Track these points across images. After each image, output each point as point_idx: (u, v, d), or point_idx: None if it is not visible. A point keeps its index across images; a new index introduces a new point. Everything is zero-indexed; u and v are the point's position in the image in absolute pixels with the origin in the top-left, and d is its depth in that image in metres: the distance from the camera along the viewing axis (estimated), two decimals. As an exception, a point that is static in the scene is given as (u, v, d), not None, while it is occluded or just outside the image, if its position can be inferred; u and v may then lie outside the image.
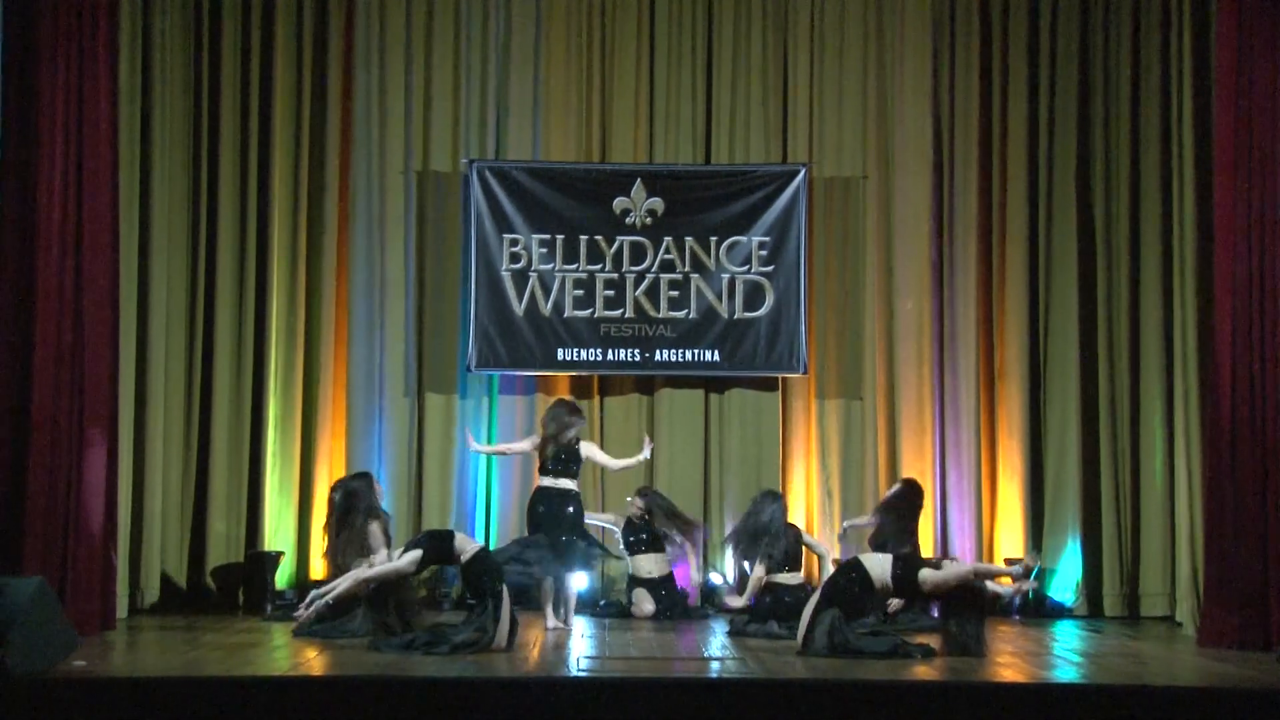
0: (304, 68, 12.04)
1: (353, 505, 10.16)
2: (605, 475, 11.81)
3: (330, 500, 10.51)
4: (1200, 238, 10.87)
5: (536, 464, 10.60)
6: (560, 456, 10.35)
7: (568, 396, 11.65)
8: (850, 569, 9.17)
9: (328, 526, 10.41)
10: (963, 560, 9.33)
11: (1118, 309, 11.92)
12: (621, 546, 11.35)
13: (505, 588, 9.08)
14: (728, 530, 11.10)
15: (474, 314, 11.95)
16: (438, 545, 9.19)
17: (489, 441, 11.89)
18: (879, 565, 9.11)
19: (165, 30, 11.56)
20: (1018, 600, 9.45)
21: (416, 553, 9.09)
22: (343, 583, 9.08)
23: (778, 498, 10.72)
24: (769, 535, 10.33)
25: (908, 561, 9.21)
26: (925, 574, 9.03)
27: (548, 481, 10.34)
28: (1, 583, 8.02)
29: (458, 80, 12.23)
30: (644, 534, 11.30)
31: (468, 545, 9.20)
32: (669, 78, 12.31)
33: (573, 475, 10.39)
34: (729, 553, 10.92)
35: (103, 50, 9.85)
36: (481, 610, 8.92)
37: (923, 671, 8.31)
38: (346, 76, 12.13)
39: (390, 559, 9.59)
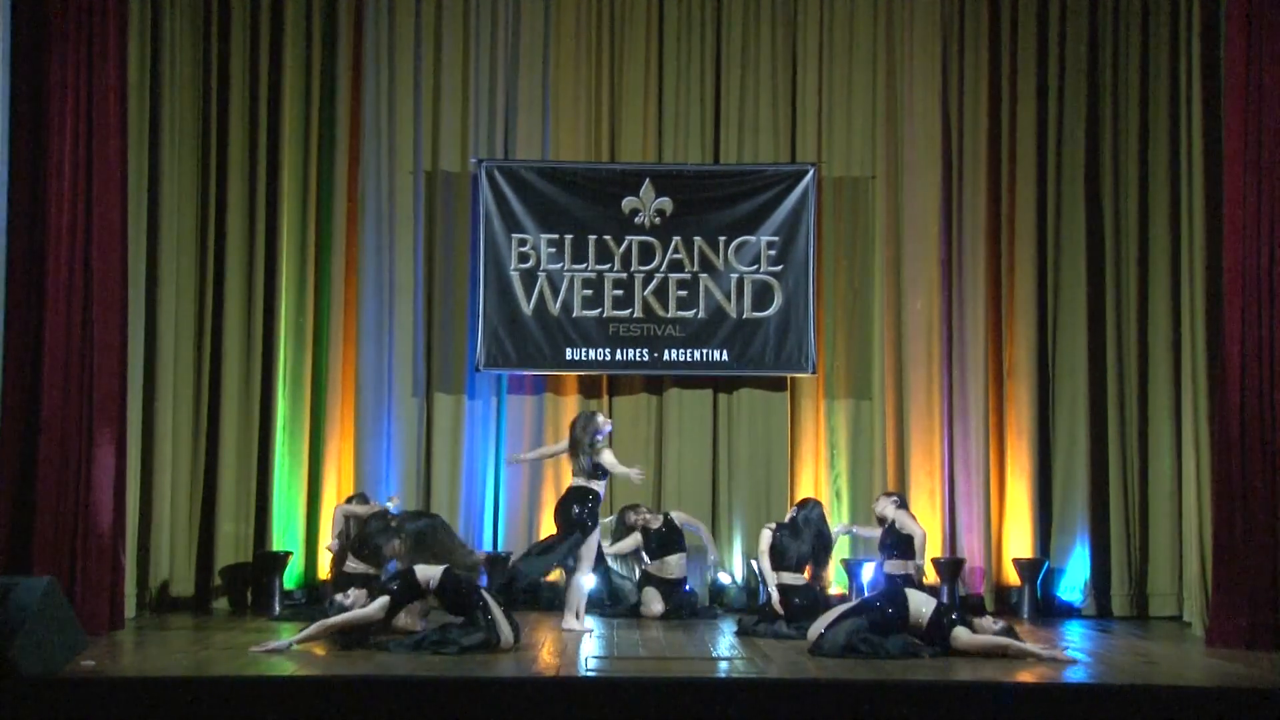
0: (313, 67, 12.06)
1: (430, 550, 9.80)
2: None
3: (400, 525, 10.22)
4: (1209, 236, 10.84)
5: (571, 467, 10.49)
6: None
7: (578, 398, 11.77)
8: (895, 600, 9.13)
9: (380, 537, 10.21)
10: (993, 622, 9.21)
11: (1127, 308, 11.90)
12: (645, 558, 11.34)
13: (486, 593, 9.08)
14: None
15: (483, 314, 11.96)
16: (404, 585, 9.06)
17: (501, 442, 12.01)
18: (920, 604, 9.07)
19: (174, 30, 11.58)
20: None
21: (384, 599, 8.94)
22: (311, 630, 8.95)
23: (818, 505, 10.73)
24: (803, 535, 10.34)
25: (948, 611, 9.15)
26: (959, 633, 8.92)
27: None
28: (11, 583, 8.03)
29: (467, 80, 12.24)
30: (663, 536, 11.31)
31: (430, 573, 9.09)
32: (678, 78, 12.31)
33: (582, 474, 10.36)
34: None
35: (112, 49, 9.86)
36: (475, 625, 8.87)
37: (932, 671, 8.30)
38: (356, 76, 12.15)
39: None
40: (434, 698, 7.55)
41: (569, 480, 10.32)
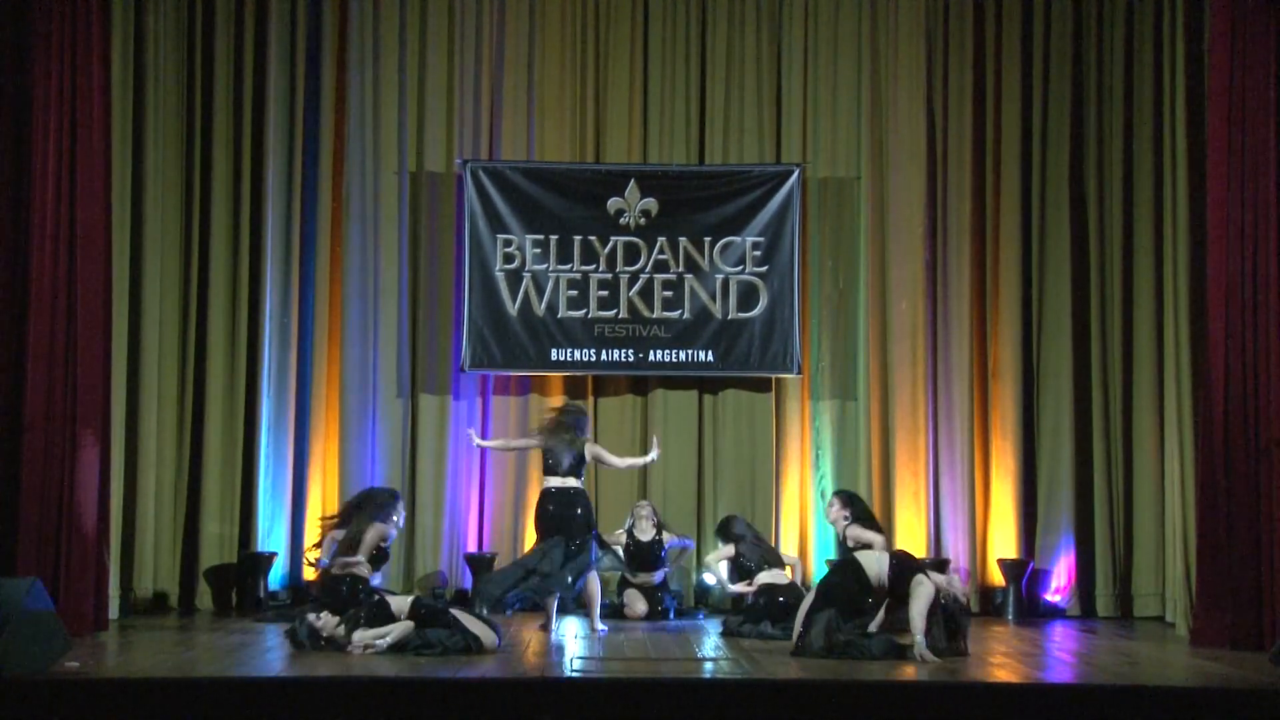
0: (298, 67, 12.03)
1: (364, 507, 9.93)
2: (602, 475, 11.78)
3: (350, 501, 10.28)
4: (1192, 238, 10.89)
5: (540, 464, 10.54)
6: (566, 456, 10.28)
7: (563, 399, 11.78)
8: (846, 567, 9.15)
9: (333, 517, 10.25)
10: (962, 595, 9.19)
11: (1111, 309, 11.93)
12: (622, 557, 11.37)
13: (453, 612, 9.08)
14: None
15: (468, 314, 11.95)
16: (378, 615, 9.03)
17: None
18: (875, 563, 9.06)
19: (158, 30, 11.55)
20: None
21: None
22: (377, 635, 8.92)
23: (736, 518, 11.27)
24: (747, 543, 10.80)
25: (904, 561, 9.16)
26: (918, 581, 8.84)
27: (555, 481, 10.23)
28: (-5, 584, 8.02)
29: (452, 80, 12.22)
30: (643, 550, 11.28)
31: (402, 604, 9.10)
32: (663, 78, 12.31)
33: (578, 475, 10.32)
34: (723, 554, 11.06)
35: (96, 48, 9.84)
36: (453, 640, 8.87)
37: (916, 672, 8.31)
38: (340, 76, 12.13)
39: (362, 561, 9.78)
40: (417, 699, 7.55)
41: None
